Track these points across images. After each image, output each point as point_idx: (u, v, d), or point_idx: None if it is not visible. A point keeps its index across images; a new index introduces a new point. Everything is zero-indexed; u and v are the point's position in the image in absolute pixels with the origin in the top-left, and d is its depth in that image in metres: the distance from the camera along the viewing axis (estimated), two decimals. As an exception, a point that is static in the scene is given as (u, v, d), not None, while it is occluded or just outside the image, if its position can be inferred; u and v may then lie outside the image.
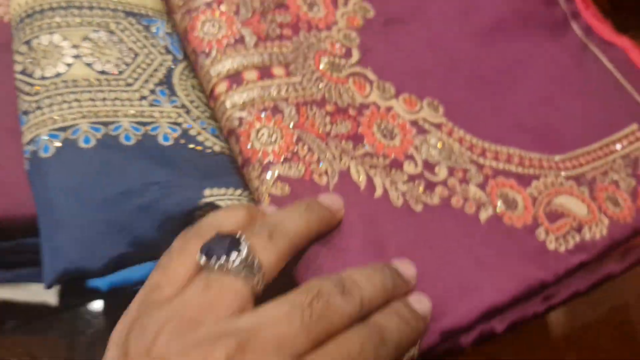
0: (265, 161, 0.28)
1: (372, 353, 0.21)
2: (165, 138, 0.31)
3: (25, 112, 0.30)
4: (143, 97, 0.32)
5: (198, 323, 0.20)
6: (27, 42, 0.32)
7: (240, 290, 0.21)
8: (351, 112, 0.32)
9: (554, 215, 0.31)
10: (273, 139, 0.29)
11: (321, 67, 0.33)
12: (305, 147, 0.29)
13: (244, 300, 0.21)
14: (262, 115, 0.30)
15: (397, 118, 0.33)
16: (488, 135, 0.34)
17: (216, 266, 0.21)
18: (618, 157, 0.36)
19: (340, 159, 0.30)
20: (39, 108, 0.30)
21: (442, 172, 0.31)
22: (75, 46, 0.32)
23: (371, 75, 0.34)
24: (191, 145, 0.31)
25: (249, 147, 0.29)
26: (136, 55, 0.33)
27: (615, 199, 0.33)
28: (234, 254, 0.21)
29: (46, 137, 0.29)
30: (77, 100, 0.30)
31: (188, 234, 0.24)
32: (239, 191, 0.30)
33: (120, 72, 0.32)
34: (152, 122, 0.31)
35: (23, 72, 0.31)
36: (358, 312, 0.22)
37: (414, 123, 0.33)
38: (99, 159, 0.29)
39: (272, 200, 0.27)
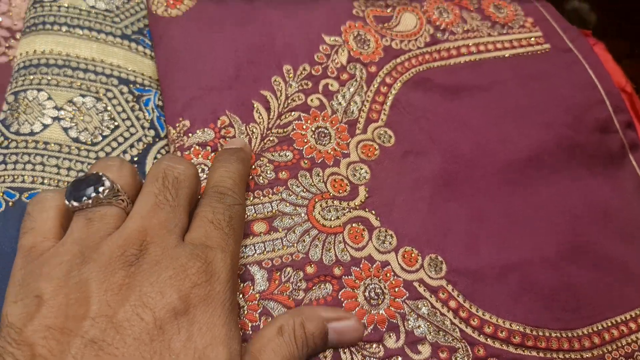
0: None
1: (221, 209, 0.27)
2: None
3: (-8, 163, 0.31)
4: (109, 172, 0.32)
5: (95, 249, 0.23)
6: (15, 93, 0.33)
7: (117, 212, 0.25)
8: (336, 271, 0.30)
9: None
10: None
11: (314, 214, 0.32)
12: (269, 320, 0.28)
13: (121, 219, 0.25)
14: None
15: (392, 277, 0.31)
16: (492, 303, 0.32)
17: (90, 202, 0.25)
18: None
19: None
20: (3, 162, 0.31)
21: (425, 350, 0.30)
22: (57, 107, 0.33)
23: (373, 221, 0.33)
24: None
25: None
26: (116, 126, 0.34)
27: None
28: (102, 189, 0.25)
29: (1, 193, 0.30)
30: (42, 164, 0.31)
31: (35, 199, 0.26)
32: None
33: (94, 144, 0.32)
34: (110, 200, 0.31)
35: (3, 122, 0.32)
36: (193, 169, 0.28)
37: (409, 285, 0.31)
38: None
39: None
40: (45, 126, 0.32)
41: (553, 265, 0.35)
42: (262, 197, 0.31)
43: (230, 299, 0.24)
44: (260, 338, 0.26)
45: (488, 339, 0.31)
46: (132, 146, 0.33)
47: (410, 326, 0.30)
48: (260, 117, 0.34)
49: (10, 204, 0.30)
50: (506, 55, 0.43)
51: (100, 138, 0.33)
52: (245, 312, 0.29)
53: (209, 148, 0.32)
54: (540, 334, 0.32)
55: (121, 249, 0.23)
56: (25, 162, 0.31)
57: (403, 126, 0.37)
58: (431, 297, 0.31)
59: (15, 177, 0.30)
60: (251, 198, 0.31)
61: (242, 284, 0.29)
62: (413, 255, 0.32)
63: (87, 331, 0.21)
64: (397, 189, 0.34)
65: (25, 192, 0.30)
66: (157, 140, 0.34)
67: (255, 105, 0.34)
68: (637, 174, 0.41)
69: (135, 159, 0.33)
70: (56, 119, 0.32)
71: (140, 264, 0.23)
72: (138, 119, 0.34)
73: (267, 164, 0.32)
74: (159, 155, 0.34)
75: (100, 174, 0.25)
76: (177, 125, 0.33)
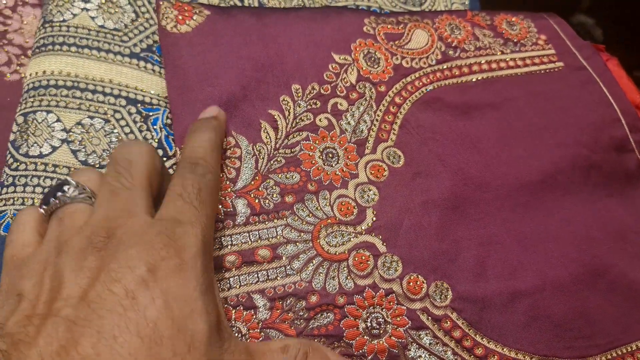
0: None
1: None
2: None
3: (1, 184, 0.32)
4: (117, 195, 0.32)
5: (67, 243, 0.25)
6: (24, 115, 0.34)
7: (84, 208, 0.27)
8: (339, 300, 0.31)
9: None
10: (239, 337, 0.29)
11: (319, 240, 0.32)
12: None
13: (89, 214, 0.26)
14: (233, 312, 0.29)
15: (394, 305, 0.31)
16: (498, 331, 0.32)
17: (59, 202, 0.27)
18: None
19: None
20: (13, 184, 0.31)
21: None
22: (66, 130, 0.33)
23: (380, 247, 0.33)
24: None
25: None
26: (124, 147, 0.34)
27: None
28: (67, 188, 0.27)
29: (11, 215, 0.31)
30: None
31: (16, 216, 0.28)
32: None
33: (102, 166, 0.33)
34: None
35: (12, 143, 0.33)
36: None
37: (412, 314, 0.31)
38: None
39: None
40: (54, 148, 0.33)
41: (566, 291, 0.35)
42: (267, 222, 0.32)
43: (204, 272, 0.25)
44: (263, 345, 0.27)
45: None
46: (139, 168, 0.34)
47: (411, 356, 0.30)
48: (268, 137, 0.34)
49: (19, 227, 0.30)
50: (519, 74, 0.43)
51: (108, 160, 0.33)
52: (248, 339, 0.29)
53: None
54: None
55: (89, 238, 0.24)
56: (35, 184, 0.31)
57: (412, 147, 0.37)
58: (434, 325, 0.31)
59: (25, 199, 0.31)
60: (256, 222, 0.31)
61: (244, 312, 0.29)
62: (418, 282, 0.32)
63: (59, 310, 0.22)
64: (405, 211, 0.34)
65: (34, 215, 0.31)
66: (165, 159, 0.35)
67: (262, 125, 0.35)
68: None
69: (143, 181, 0.33)
70: (65, 141, 0.33)
71: (109, 247, 0.24)
72: (146, 139, 0.35)
73: (274, 187, 0.33)
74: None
75: (66, 179, 0.28)
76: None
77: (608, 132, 0.42)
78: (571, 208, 0.38)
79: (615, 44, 0.50)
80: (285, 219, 0.32)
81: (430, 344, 0.31)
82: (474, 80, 0.41)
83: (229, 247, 0.31)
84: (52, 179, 0.32)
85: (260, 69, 0.37)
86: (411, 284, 0.32)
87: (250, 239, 0.31)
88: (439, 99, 0.40)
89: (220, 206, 0.31)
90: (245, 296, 0.30)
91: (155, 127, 0.35)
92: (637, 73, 0.55)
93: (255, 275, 0.30)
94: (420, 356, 0.30)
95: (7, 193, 0.31)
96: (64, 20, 0.37)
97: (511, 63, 0.43)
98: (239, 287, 0.30)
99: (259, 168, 0.33)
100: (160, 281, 0.23)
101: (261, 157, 0.34)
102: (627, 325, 0.35)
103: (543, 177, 0.38)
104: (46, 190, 0.32)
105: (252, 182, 0.32)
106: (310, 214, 0.32)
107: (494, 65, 0.43)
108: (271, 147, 0.34)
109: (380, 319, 0.31)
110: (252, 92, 0.36)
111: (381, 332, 0.30)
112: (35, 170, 0.32)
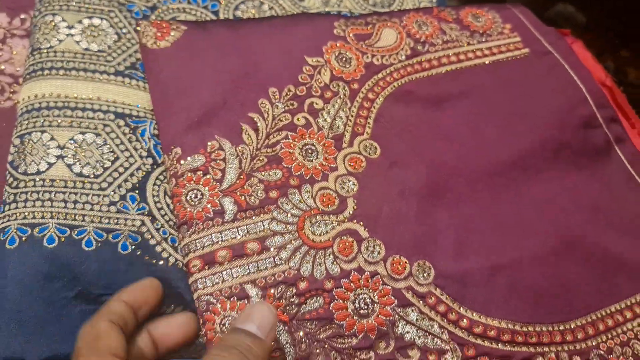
0: None
1: None
2: (124, 247, 0.34)
3: (4, 202, 0.35)
4: (112, 203, 0.35)
5: None
6: (20, 137, 0.37)
7: None
8: (327, 285, 0.33)
9: None
10: None
11: (305, 231, 0.34)
12: None
13: None
14: (227, 302, 0.32)
15: (380, 285, 0.34)
16: (482, 303, 0.35)
17: None
18: None
19: (301, 345, 0.31)
20: (14, 201, 0.34)
21: (414, 355, 0.33)
22: (60, 147, 0.36)
23: (362, 232, 0.35)
24: (146, 257, 0.34)
25: (213, 333, 0.31)
26: (116, 158, 0.37)
27: None
28: None
29: (15, 230, 0.33)
30: (50, 200, 0.34)
31: None
32: (179, 308, 0.34)
33: (97, 176, 0.36)
34: (115, 230, 0.35)
35: (11, 164, 0.36)
36: None
37: (397, 292, 0.34)
38: (58, 260, 0.33)
39: None
40: (51, 165, 0.36)
41: (543, 262, 0.37)
42: (254, 217, 0.34)
43: None
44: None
45: (477, 339, 0.34)
46: (132, 175, 0.37)
47: (399, 332, 0.33)
48: (250, 139, 0.37)
49: (24, 239, 0.33)
50: (486, 62, 0.46)
51: (101, 170, 0.36)
52: None
53: (200, 173, 0.35)
54: (531, 329, 0.35)
55: None
56: (35, 199, 0.34)
57: (387, 139, 0.40)
58: (419, 302, 0.34)
59: (27, 214, 0.34)
60: (244, 218, 0.34)
61: (238, 302, 0.32)
62: (401, 263, 0.35)
63: None
64: (384, 199, 0.37)
65: (37, 227, 0.33)
66: (156, 167, 0.38)
67: (244, 128, 0.37)
68: (625, 165, 0.44)
69: (137, 186, 0.36)
70: (60, 157, 0.36)
71: None
72: (136, 149, 0.38)
73: (258, 184, 0.35)
74: (157, 182, 0.37)
75: None
76: (170, 153, 0.36)
77: (576, 112, 0.45)
78: (543, 186, 0.41)
79: (598, 28, 0.52)
80: (270, 213, 0.35)
81: (417, 319, 0.33)
82: (443, 72, 0.44)
83: (220, 242, 0.33)
84: (50, 192, 0.35)
85: (237, 77, 0.40)
86: (394, 265, 0.35)
87: (239, 234, 0.34)
88: (410, 92, 0.43)
89: (209, 205, 0.34)
90: (238, 287, 0.32)
91: (143, 137, 0.38)
92: (625, 53, 0.58)
93: (247, 267, 0.33)
94: (408, 332, 0.33)
95: (9, 210, 0.34)
96: (50, 47, 0.40)
97: (478, 53, 0.46)
98: (232, 279, 0.33)
99: (242, 167, 0.36)
100: None
101: (244, 158, 0.36)
102: (604, 290, 0.38)
103: (514, 159, 0.41)
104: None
105: (237, 181, 0.35)
106: (294, 207, 0.35)
107: (462, 57, 0.46)
108: (253, 147, 0.37)
109: (368, 300, 0.33)
110: (231, 98, 0.38)
111: (369, 311, 0.33)
112: (34, 186, 0.35)
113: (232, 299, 0.32)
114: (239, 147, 0.37)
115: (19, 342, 0.31)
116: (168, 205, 0.36)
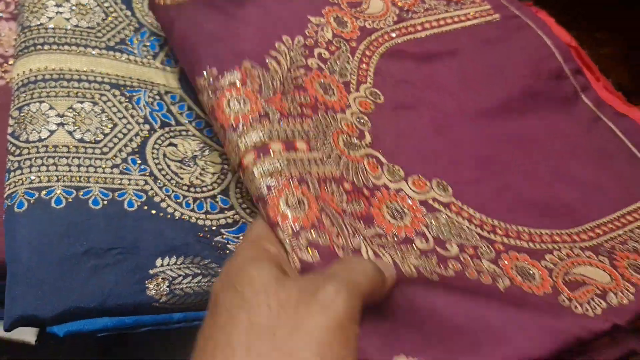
0: (297, 227, 0.31)
1: None
2: (130, 204, 0.36)
3: (8, 170, 0.36)
4: (115, 166, 0.37)
5: None
6: (19, 108, 0.38)
7: None
8: (365, 192, 0.36)
9: (575, 284, 0.35)
10: (301, 206, 0.32)
11: (340, 144, 0.37)
12: (328, 219, 0.32)
13: None
14: (291, 183, 0.33)
15: (407, 199, 0.37)
16: (497, 213, 0.38)
17: None
18: (635, 227, 0.40)
19: (353, 237, 0.33)
20: (19, 168, 0.35)
21: (453, 249, 0.35)
22: (59, 115, 0.37)
23: (382, 158, 0.38)
24: (154, 211, 0.36)
25: (278, 212, 0.32)
26: (115, 125, 0.38)
27: (638, 265, 0.37)
28: None
29: (22, 194, 0.34)
30: (54, 164, 0.35)
31: None
32: (189, 259, 0.35)
33: (97, 141, 0.37)
34: (120, 189, 0.36)
35: (12, 134, 0.37)
36: None
37: (424, 202, 0.37)
38: (66, 220, 0.34)
39: (302, 266, 0.30)
40: (52, 132, 0.37)
41: (537, 185, 0.42)
42: (295, 124, 0.36)
43: None
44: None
45: (503, 238, 0.37)
46: (131, 140, 0.38)
47: (435, 233, 0.35)
48: (275, 69, 0.39)
49: (32, 201, 0.34)
50: (464, 27, 0.50)
51: (102, 136, 0.37)
52: (309, 205, 0.32)
53: (238, 83, 0.36)
54: (544, 232, 0.38)
55: None
56: (39, 164, 0.35)
57: (388, 89, 0.43)
58: (445, 209, 0.37)
59: (33, 179, 0.35)
60: (287, 123, 0.36)
61: (300, 186, 0.33)
62: (422, 181, 0.38)
63: None
64: (396, 134, 0.41)
65: (43, 190, 0.34)
66: (153, 132, 0.39)
67: (269, 61, 0.39)
68: (591, 108, 0.49)
69: (136, 150, 0.38)
70: (60, 124, 0.37)
71: None
72: (132, 116, 0.39)
73: (292, 102, 0.37)
74: (156, 146, 0.38)
75: None
76: (205, 72, 0.37)
77: (545, 65, 0.49)
78: (526, 124, 0.45)
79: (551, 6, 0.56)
80: (309, 125, 0.37)
81: (446, 222, 0.36)
82: (427, 35, 0.48)
83: (271, 138, 0.34)
84: (53, 157, 0.36)
85: (253, 25, 0.41)
86: (416, 183, 0.38)
87: (288, 133, 0.35)
88: (402, 50, 0.46)
89: (254, 108, 0.36)
90: (297, 175, 0.33)
91: (139, 105, 0.40)
92: (600, 35, 0.62)
93: (300, 160, 0.34)
94: (442, 231, 0.36)
95: (15, 176, 0.35)
96: (41, 24, 0.41)
97: (456, 19, 0.51)
98: (287, 170, 0.33)
99: (275, 87, 0.38)
100: None
101: (275, 80, 0.38)
102: (592, 208, 0.41)
103: (499, 104, 0.46)
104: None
105: (274, 96, 0.37)
106: (326, 126, 0.38)
107: (441, 22, 0.50)
108: (280, 75, 0.39)
109: (399, 209, 0.36)
110: (249, 44, 0.40)
111: (403, 217, 0.36)
112: (38, 152, 0.36)
113: (293, 180, 0.33)
114: (269, 73, 0.38)
115: (32, 301, 0.32)
116: (169, 166, 0.38)
